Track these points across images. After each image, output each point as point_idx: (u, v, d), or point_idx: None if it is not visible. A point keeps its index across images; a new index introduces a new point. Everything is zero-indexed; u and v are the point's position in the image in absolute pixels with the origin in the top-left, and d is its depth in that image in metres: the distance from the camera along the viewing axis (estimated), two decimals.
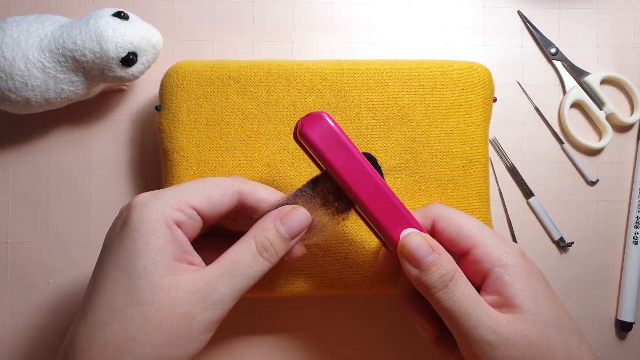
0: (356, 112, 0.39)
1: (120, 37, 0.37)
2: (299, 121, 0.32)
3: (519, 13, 0.48)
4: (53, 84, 0.38)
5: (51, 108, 0.40)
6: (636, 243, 0.45)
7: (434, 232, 0.33)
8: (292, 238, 0.31)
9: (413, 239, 0.30)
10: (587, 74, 0.47)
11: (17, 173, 0.44)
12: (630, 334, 0.46)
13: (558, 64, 0.47)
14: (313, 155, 0.32)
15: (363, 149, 0.39)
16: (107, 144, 0.44)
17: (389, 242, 0.32)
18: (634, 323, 0.45)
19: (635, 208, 0.46)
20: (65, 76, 0.38)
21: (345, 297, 0.44)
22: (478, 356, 0.29)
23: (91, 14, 0.38)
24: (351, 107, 0.39)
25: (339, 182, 0.31)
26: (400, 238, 0.31)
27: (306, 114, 0.39)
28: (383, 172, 0.39)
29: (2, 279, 0.43)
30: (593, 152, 0.47)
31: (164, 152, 0.40)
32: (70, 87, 0.39)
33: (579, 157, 0.47)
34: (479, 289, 0.31)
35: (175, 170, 0.39)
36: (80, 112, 0.44)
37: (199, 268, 0.29)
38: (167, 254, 0.28)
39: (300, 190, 0.32)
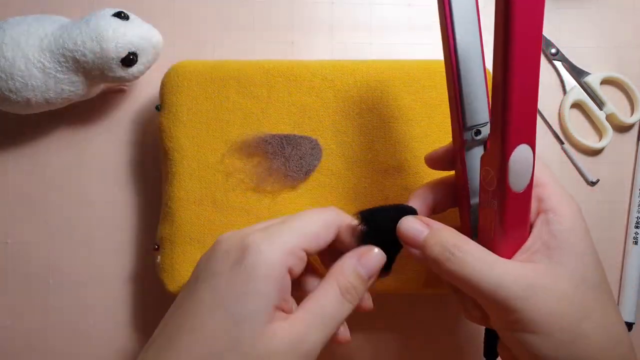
0: (356, 112, 0.39)
1: (120, 37, 0.37)
2: None
3: None
4: (53, 84, 0.38)
5: (51, 108, 0.40)
6: (636, 243, 0.45)
7: None
8: (370, 278, 0.30)
9: (405, 221, 0.30)
10: (587, 74, 0.47)
11: (17, 173, 0.44)
12: (630, 334, 0.46)
13: (558, 64, 0.47)
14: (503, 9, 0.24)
15: (363, 148, 0.39)
16: (107, 144, 0.44)
17: (502, 132, 0.26)
18: (634, 323, 0.45)
19: (635, 208, 0.46)
20: (65, 76, 0.38)
21: None
22: (510, 322, 0.27)
23: (91, 14, 0.38)
24: (351, 106, 0.39)
25: (505, 40, 0.24)
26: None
27: (306, 113, 0.39)
28: (383, 171, 0.39)
29: (2, 279, 0.43)
30: (593, 152, 0.47)
31: (164, 151, 0.40)
32: (70, 87, 0.39)
33: (579, 157, 0.47)
34: None
35: (175, 169, 0.39)
36: (80, 112, 0.44)
37: (287, 315, 0.28)
38: (272, 301, 0.27)
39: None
